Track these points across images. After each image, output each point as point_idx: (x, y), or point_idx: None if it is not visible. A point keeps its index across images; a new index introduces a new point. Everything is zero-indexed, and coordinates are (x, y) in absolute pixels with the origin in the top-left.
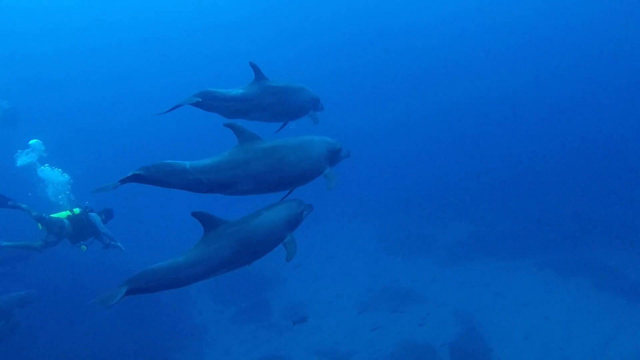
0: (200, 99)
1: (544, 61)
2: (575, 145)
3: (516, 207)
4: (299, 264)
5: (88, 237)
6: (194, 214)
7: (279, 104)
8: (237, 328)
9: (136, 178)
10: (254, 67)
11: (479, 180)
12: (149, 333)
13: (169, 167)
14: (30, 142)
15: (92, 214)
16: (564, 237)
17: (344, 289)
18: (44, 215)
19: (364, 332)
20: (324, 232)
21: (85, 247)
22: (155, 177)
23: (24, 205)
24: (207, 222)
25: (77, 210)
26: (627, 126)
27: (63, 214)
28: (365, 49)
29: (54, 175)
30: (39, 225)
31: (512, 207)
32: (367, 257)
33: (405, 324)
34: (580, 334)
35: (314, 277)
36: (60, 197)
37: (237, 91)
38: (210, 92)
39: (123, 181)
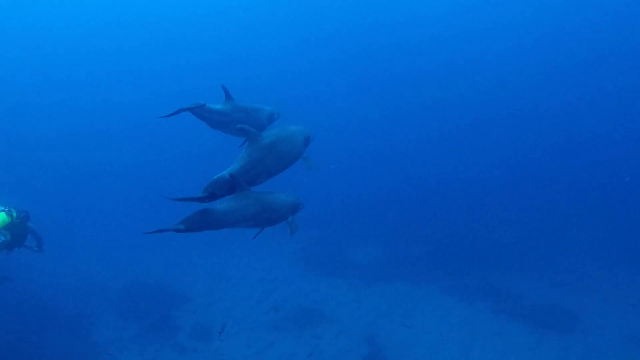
0: (201, 104)
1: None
2: (479, 174)
3: (427, 231)
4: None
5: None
6: (232, 176)
7: (246, 120)
8: (140, 347)
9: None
10: (224, 89)
11: (394, 202)
12: (40, 349)
13: (218, 182)
14: None
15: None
16: (470, 262)
17: (253, 307)
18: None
19: (271, 354)
20: (240, 247)
21: None
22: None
23: None
24: (240, 186)
25: (14, 214)
26: (528, 156)
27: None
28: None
29: None
30: None
31: (423, 231)
32: (280, 275)
33: (313, 344)
34: (475, 357)
35: (223, 296)
36: None
37: (217, 106)
38: (203, 105)
39: (202, 199)
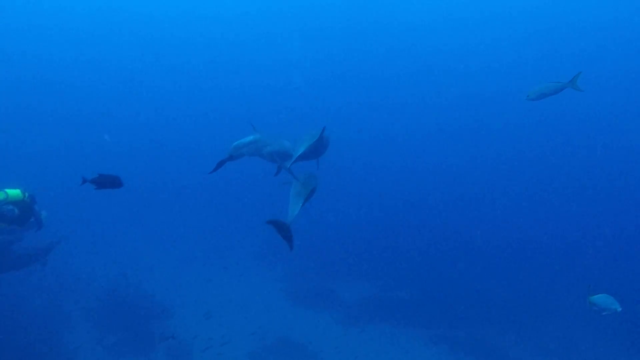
0: (234, 154)
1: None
2: (482, 224)
3: (421, 276)
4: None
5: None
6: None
7: (272, 149)
8: (113, 359)
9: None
10: (253, 125)
11: (389, 241)
12: (8, 350)
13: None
14: None
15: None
16: (462, 314)
17: (235, 334)
18: None
19: None
20: (226, 269)
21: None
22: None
23: None
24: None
25: (26, 194)
26: (534, 211)
27: (14, 193)
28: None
29: None
30: None
31: (418, 275)
32: (265, 303)
33: None
34: None
35: (205, 315)
36: None
37: (249, 138)
38: (236, 145)
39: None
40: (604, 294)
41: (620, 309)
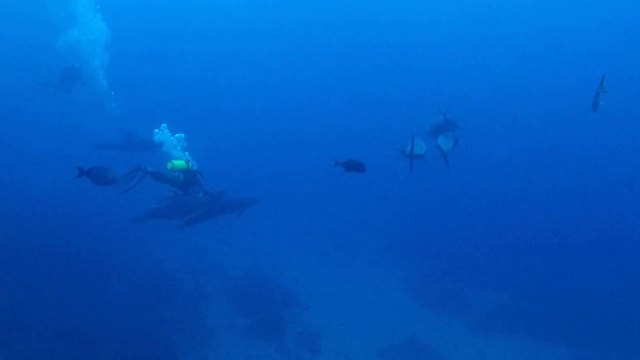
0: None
1: None
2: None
3: (563, 288)
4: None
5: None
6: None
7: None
8: (248, 342)
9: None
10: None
11: (531, 246)
12: (156, 322)
13: None
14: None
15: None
16: (608, 332)
17: (364, 330)
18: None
19: None
20: (352, 263)
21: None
22: None
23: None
24: None
25: (189, 164)
26: None
27: (179, 163)
28: None
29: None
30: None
31: (558, 286)
32: (391, 300)
33: None
34: None
35: (333, 309)
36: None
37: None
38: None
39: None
40: None
41: None
